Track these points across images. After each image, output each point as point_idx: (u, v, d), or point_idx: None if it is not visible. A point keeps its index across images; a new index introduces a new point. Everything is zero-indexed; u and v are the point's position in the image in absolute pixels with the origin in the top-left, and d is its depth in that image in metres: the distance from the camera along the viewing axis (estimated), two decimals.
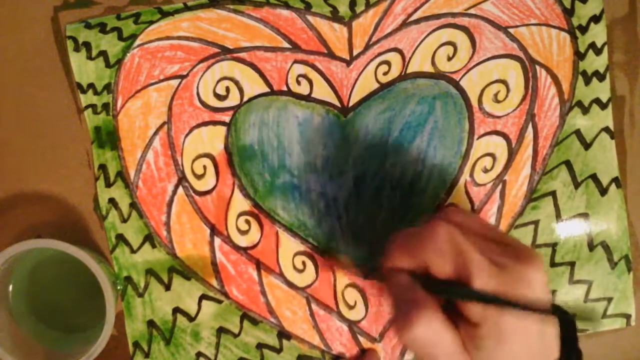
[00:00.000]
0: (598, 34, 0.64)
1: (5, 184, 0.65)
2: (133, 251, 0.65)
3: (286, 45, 0.64)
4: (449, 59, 0.64)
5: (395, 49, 0.64)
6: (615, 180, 0.64)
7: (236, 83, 0.64)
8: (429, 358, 0.48)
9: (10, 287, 0.63)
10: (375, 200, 0.64)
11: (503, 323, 0.46)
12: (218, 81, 0.64)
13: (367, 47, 0.64)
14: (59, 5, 0.65)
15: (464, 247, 0.47)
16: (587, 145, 0.64)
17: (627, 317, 0.65)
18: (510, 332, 0.46)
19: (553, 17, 0.64)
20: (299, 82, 0.64)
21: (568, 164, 0.64)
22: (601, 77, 0.64)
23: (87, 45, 0.64)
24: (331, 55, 0.64)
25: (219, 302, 0.65)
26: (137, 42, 0.64)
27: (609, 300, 0.64)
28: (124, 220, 0.65)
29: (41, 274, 0.64)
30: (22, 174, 0.65)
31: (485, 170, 0.64)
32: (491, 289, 0.46)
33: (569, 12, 0.64)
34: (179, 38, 0.64)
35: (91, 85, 0.65)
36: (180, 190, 0.64)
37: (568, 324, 0.49)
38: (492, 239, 0.49)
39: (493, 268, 0.46)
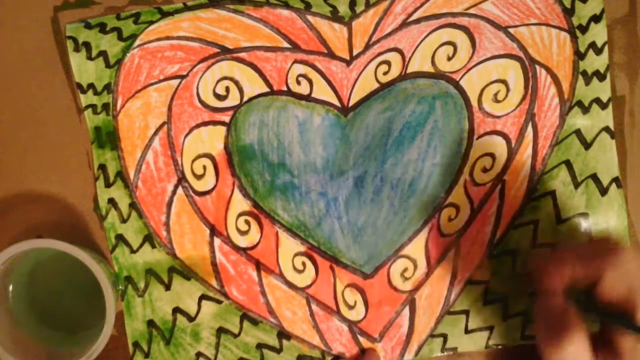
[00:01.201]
0: (598, 33, 0.64)
1: (5, 184, 0.65)
2: (133, 251, 0.65)
3: (286, 45, 0.65)
4: (449, 58, 0.64)
5: (395, 49, 0.64)
6: (615, 180, 0.64)
7: (236, 83, 0.65)
8: None
9: (10, 287, 0.63)
10: (375, 200, 0.64)
11: None
12: (218, 81, 0.65)
13: (367, 47, 0.65)
14: (59, 5, 0.65)
15: None
16: (587, 145, 0.64)
17: None
18: None
19: (553, 17, 0.64)
20: (299, 82, 0.65)
21: (568, 163, 0.64)
22: (601, 77, 0.64)
23: (87, 45, 0.65)
24: (331, 55, 0.65)
25: (219, 302, 0.65)
26: (137, 42, 0.65)
27: None
28: (124, 221, 0.65)
29: (41, 274, 0.64)
30: (22, 174, 0.65)
31: (485, 170, 0.64)
32: None
33: (569, 12, 0.64)
34: (178, 38, 0.65)
35: (91, 86, 0.65)
36: (180, 190, 0.65)
37: None
38: None
39: None
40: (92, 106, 0.65)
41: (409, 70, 0.65)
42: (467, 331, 0.64)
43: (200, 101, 0.65)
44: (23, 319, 0.63)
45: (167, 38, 0.65)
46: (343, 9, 0.65)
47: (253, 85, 0.65)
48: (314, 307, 0.65)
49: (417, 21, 0.64)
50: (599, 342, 0.50)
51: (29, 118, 0.65)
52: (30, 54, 0.65)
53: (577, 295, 0.52)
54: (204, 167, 0.65)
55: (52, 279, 0.65)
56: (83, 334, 0.64)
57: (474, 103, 0.64)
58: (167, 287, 0.65)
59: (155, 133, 0.65)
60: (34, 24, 0.65)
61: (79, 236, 0.65)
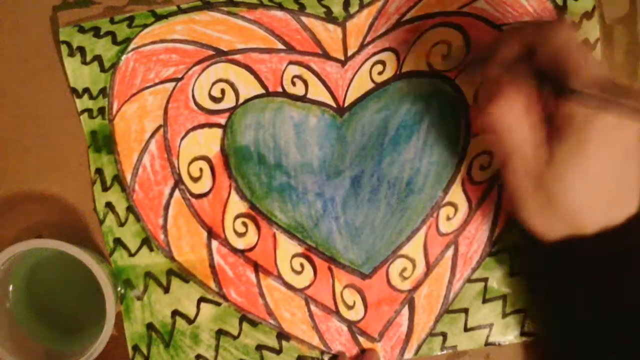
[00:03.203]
0: (590, 30, 0.65)
1: (5, 184, 0.67)
2: (131, 255, 0.67)
3: (281, 46, 0.67)
4: (444, 57, 0.66)
5: (389, 49, 0.66)
6: None
7: (231, 85, 0.67)
8: (504, 144, 0.53)
9: (10, 287, 0.64)
10: (372, 200, 0.66)
11: (592, 125, 0.49)
12: (213, 83, 0.67)
13: (362, 47, 0.67)
14: (58, 4, 0.67)
15: (580, 46, 0.52)
16: None
17: None
18: (596, 136, 0.49)
19: (545, 14, 0.65)
20: (294, 83, 0.67)
21: None
22: None
23: (82, 50, 0.67)
24: (326, 55, 0.67)
25: (218, 304, 0.67)
26: (132, 45, 0.67)
27: None
28: (121, 224, 0.67)
29: (41, 274, 0.66)
30: (22, 174, 0.67)
31: (483, 168, 0.66)
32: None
33: (561, 9, 0.65)
34: (173, 41, 0.67)
35: (86, 90, 0.67)
36: (177, 193, 0.67)
37: None
38: None
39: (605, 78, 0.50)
40: (88, 110, 0.67)
41: (404, 69, 0.66)
42: (466, 329, 0.66)
43: (196, 104, 0.67)
44: (23, 319, 0.64)
45: (162, 41, 0.67)
46: (337, 9, 0.66)
47: (248, 87, 0.67)
48: (313, 307, 0.67)
49: (411, 20, 0.66)
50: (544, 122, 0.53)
51: (29, 118, 0.67)
52: (29, 53, 0.67)
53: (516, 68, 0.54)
54: (201, 170, 0.67)
55: (52, 279, 0.66)
56: (83, 334, 0.65)
57: (470, 101, 0.66)
58: (166, 290, 0.67)
59: (152, 136, 0.67)
60: (32, 23, 0.67)
61: (79, 236, 0.67)
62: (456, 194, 0.67)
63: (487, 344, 0.67)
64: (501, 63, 0.55)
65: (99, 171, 0.67)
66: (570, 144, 0.50)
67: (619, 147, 0.50)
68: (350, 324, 0.67)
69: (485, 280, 0.67)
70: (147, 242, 0.67)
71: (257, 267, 0.67)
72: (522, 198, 0.54)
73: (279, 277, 0.67)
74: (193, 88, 0.67)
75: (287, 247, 0.67)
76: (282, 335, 0.67)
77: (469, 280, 0.67)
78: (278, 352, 0.67)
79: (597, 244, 0.52)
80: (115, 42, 0.67)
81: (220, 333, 0.67)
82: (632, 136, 0.50)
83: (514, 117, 0.52)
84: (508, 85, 0.53)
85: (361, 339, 0.67)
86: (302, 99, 0.67)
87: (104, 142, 0.67)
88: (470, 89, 0.66)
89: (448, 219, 0.67)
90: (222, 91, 0.67)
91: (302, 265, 0.67)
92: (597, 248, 0.53)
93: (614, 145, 0.50)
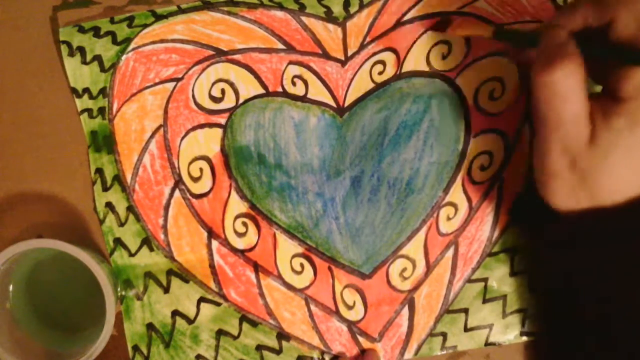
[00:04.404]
0: None
1: (5, 184, 0.68)
2: (131, 254, 0.67)
3: (281, 46, 0.67)
4: (444, 57, 0.66)
5: (389, 49, 0.67)
6: None
7: (231, 85, 0.67)
8: (551, 112, 0.51)
9: (10, 287, 0.65)
10: (372, 200, 0.67)
11: None
12: (213, 83, 0.67)
13: (362, 47, 0.67)
14: (58, 4, 0.68)
15: None
16: None
17: None
18: None
19: (546, 14, 0.66)
20: (294, 83, 0.67)
21: None
22: None
23: (82, 50, 0.67)
24: (326, 55, 0.67)
25: (218, 304, 0.67)
26: (132, 45, 0.67)
27: None
28: (122, 224, 0.67)
29: (41, 274, 0.66)
30: (22, 174, 0.68)
31: (483, 168, 0.66)
32: None
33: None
34: (173, 41, 0.67)
35: (86, 90, 0.68)
36: (177, 193, 0.67)
37: None
38: None
39: None
40: (88, 110, 0.68)
41: (404, 69, 0.67)
42: (466, 329, 0.67)
43: (196, 104, 0.67)
44: (23, 319, 0.65)
45: (162, 41, 0.67)
46: (337, 9, 0.67)
47: (248, 87, 0.67)
48: (313, 307, 0.67)
49: (411, 20, 0.67)
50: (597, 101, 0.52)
51: (29, 118, 0.67)
52: (29, 53, 0.68)
53: (584, 39, 0.53)
54: (201, 170, 0.67)
55: (52, 279, 0.67)
56: (83, 334, 0.66)
57: (470, 101, 0.66)
58: (166, 290, 0.67)
59: (152, 136, 0.67)
60: (32, 23, 0.68)
61: (79, 236, 0.67)
62: (456, 194, 0.67)
63: (487, 344, 0.67)
64: (571, 29, 0.54)
65: (99, 171, 0.68)
66: (625, 122, 0.50)
67: None
68: (350, 324, 0.67)
69: (485, 280, 0.67)
70: (147, 242, 0.68)
71: (257, 267, 0.67)
72: (554, 174, 0.54)
73: (279, 277, 0.67)
74: (193, 88, 0.68)
75: (287, 247, 0.68)
76: (282, 336, 0.68)
77: (469, 280, 0.67)
78: (278, 352, 0.68)
79: (615, 215, 0.53)
80: (115, 42, 0.68)
81: (220, 333, 0.68)
82: None
83: (571, 86, 0.50)
84: (574, 52, 0.51)
85: (361, 339, 0.67)
86: (302, 99, 0.67)
87: (104, 142, 0.68)
88: (471, 88, 0.67)
89: (448, 219, 0.67)
90: (222, 91, 0.67)
91: (302, 265, 0.68)
92: (615, 218, 0.53)
93: None
